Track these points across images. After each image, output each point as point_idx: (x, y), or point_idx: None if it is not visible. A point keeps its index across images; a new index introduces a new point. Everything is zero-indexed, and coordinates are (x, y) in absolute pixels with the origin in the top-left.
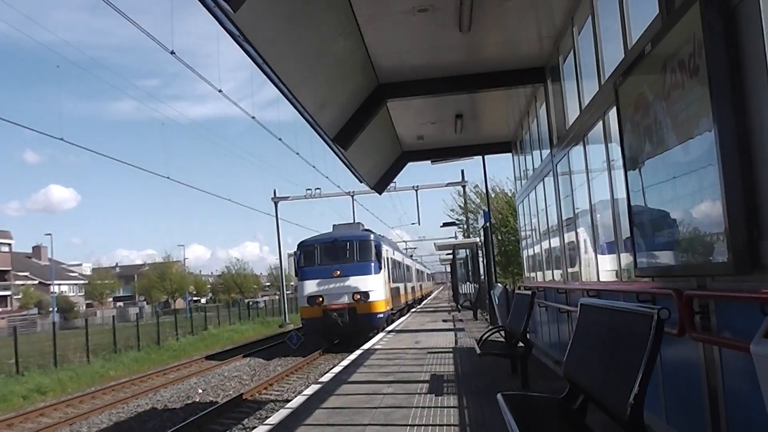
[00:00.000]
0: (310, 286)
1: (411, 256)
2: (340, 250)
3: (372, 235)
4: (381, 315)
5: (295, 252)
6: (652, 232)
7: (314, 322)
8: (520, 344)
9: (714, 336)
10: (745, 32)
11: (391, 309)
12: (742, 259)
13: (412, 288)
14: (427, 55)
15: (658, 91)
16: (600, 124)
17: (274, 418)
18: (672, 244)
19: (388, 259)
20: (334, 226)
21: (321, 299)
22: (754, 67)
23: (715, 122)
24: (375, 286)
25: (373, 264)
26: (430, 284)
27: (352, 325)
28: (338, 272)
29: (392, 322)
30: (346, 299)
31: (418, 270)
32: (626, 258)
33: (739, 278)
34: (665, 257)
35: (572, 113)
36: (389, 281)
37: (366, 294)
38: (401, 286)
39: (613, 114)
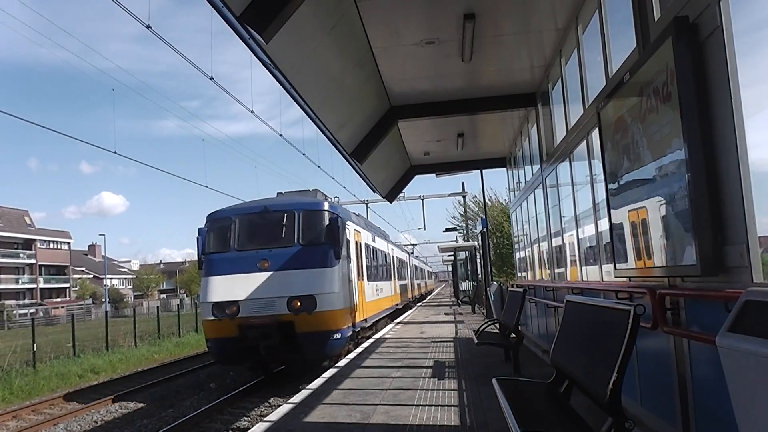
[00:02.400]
0: (219, 286)
1: (412, 252)
2: (273, 227)
3: (326, 204)
4: (338, 335)
5: (199, 229)
6: (629, 237)
7: (224, 345)
8: (513, 335)
9: (683, 330)
10: (711, 64)
11: (364, 321)
12: (708, 262)
13: (405, 288)
14: (433, 82)
15: (635, 114)
16: (584, 143)
17: (297, 397)
18: (647, 248)
19: (358, 245)
20: (278, 193)
21: (236, 308)
22: (719, 93)
23: (685, 142)
24: (328, 287)
25: (327, 250)
26: (432, 282)
27: (287, 351)
28: (267, 263)
29: (369, 336)
30: (277, 308)
31: (416, 266)
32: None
33: (706, 279)
34: (641, 260)
35: (559, 133)
36: (359, 278)
37: (312, 300)
38: (386, 286)
39: (595, 134)
